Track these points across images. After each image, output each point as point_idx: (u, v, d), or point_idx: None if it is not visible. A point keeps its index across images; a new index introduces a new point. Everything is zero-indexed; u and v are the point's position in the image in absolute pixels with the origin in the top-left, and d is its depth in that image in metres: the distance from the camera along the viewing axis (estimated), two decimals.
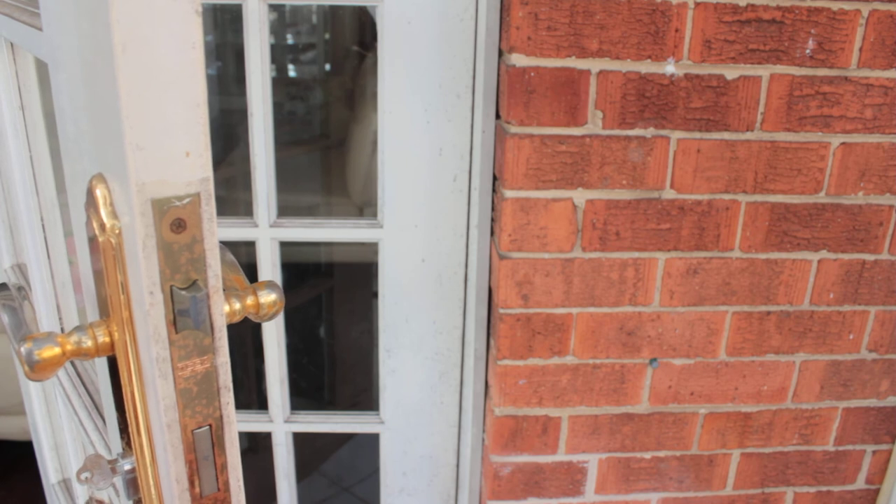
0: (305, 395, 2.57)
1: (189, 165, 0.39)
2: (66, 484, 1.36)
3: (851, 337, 1.25)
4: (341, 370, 2.66)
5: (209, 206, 0.40)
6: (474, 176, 1.20)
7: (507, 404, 1.24)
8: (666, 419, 1.28)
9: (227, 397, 0.44)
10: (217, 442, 0.45)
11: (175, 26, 0.36)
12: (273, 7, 2.73)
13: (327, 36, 3.03)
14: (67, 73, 0.45)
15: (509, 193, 1.11)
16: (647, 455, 1.30)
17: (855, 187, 1.15)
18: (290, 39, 2.99)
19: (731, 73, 1.07)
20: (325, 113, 2.94)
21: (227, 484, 0.46)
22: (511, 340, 1.19)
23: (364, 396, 2.56)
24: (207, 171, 0.39)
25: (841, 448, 1.34)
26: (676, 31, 1.04)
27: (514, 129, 1.08)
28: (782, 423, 1.31)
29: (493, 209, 1.20)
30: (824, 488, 1.37)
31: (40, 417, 1.29)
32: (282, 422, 1.37)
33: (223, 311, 0.43)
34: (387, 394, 1.34)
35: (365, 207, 2.45)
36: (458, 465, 1.41)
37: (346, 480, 2.36)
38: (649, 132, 1.09)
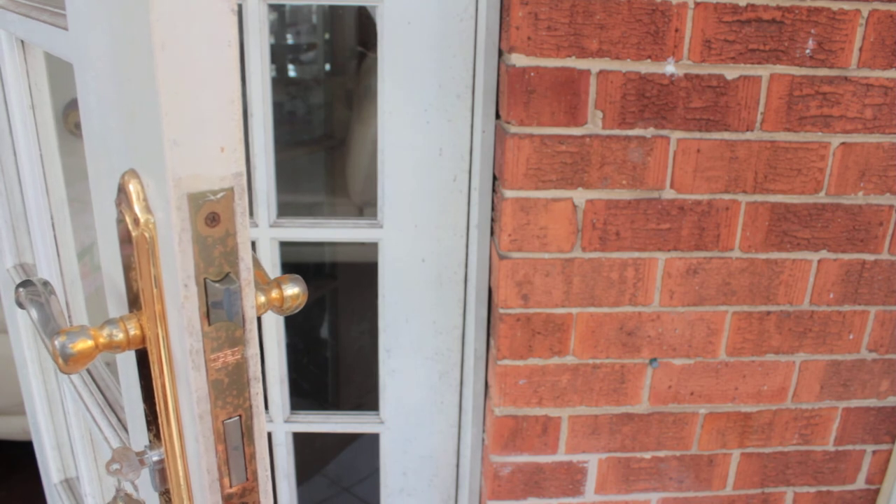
0: (306, 395, 2.57)
1: (224, 160, 0.39)
2: (68, 483, 1.36)
3: (851, 337, 1.25)
4: (342, 370, 2.66)
5: (242, 201, 0.41)
6: (474, 176, 1.20)
7: (507, 404, 1.24)
8: (666, 419, 1.28)
9: (257, 388, 0.45)
10: (246, 432, 0.46)
11: (211, 25, 0.36)
12: (273, 7, 2.73)
13: (327, 36, 3.03)
14: (96, 71, 0.46)
15: (509, 193, 1.11)
16: (647, 455, 1.30)
17: (855, 187, 1.15)
18: (290, 39, 2.99)
19: (731, 73, 1.07)
20: (325, 113, 2.94)
21: (255, 473, 0.46)
22: (511, 340, 1.19)
23: (365, 397, 2.56)
24: (241, 166, 0.40)
25: (841, 448, 1.34)
26: (676, 31, 1.04)
27: (514, 129, 1.08)
28: (782, 423, 1.31)
29: (493, 209, 1.20)
30: (824, 488, 1.37)
31: (42, 417, 1.29)
32: (282, 422, 1.37)
33: (254, 303, 0.44)
34: (387, 394, 1.34)
35: (365, 207, 2.45)
36: (458, 465, 1.41)
37: (346, 480, 2.36)
38: (649, 132, 1.09)
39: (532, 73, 1.05)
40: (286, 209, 1.27)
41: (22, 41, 0.83)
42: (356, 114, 2.55)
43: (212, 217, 0.39)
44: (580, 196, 1.12)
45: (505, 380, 1.22)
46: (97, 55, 0.45)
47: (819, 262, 1.19)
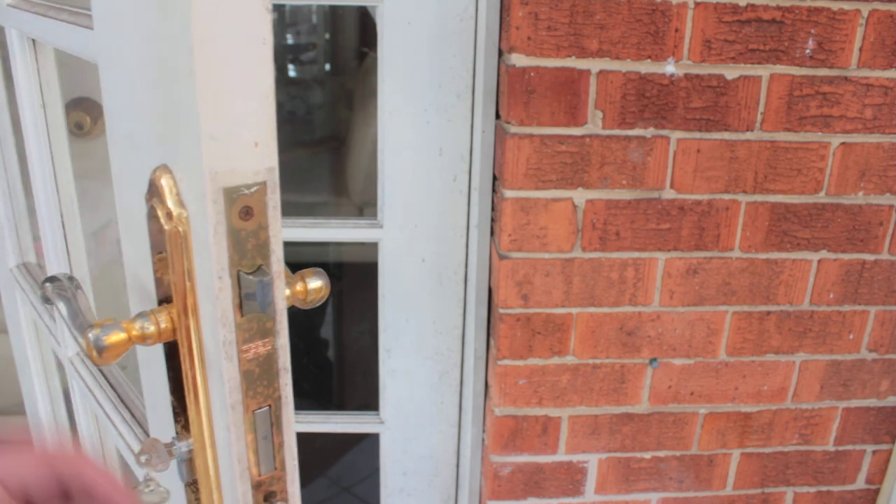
0: (307, 395, 2.57)
1: (258, 155, 0.40)
2: None
3: (851, 337, 1.25)
4: (342, 371, 2.66)
5: (274, 195, 0.41)
6: (474, 176, 1.20)
7: (507, 404, 1.24)
8: (666, 419, 1.28)
9: (286, 378, 0.45)
10: (275, 422, 0.46)
11: (248, 23, 0.37)
12: (273, 7, 2.73)
13: (327, 36, 3.03)
14: (125, 70, 0.46)
15: (509, 193, 1.11)
16: (647, 455, 1.30)
17: (855, 187, 1.15)
18: (290, 39, 2.99)
19: (731, 73, 1.07)
20: (325, 113, 2.94)
21: (283, 463, 0.47)
22: (511, 340, 1.19)
23: (365, 397, 2.55)
24: (274, 160, 0.41)
25: (841, 448, 1.34)
26: (676, 30, 1.04)
27: (514, 129, 1.08)
28: (782, 423, 1.31)
29: (493, 209, 1.20)
30: (824, 488, 1.37)
31: (44, 417, 1.29)
32: None
33: (284, 294, 0.45)
34: (387, 394, 1.34)
35: (365, 207, 2.45)
36: (458, 465, 1.41)
37: (346, 480, 2.36)
38: (649, 132, 1.09)
39: (532, 73, 1.05)
40: (286, 209, 1.26)
41: (33, 40, 0.82)
42: (356, 114, 2.55)
43: (245, 211, 0.40)
44: (580, 196, 1.12)
45: (505, 380, 1.22)
46: (127, 54, 0.45)
47: (819, 262, 1.19)
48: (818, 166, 1.13)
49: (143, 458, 0.47)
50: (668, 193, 1.13)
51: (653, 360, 1.23)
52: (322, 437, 2.49)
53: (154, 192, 0.43)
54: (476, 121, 1.16)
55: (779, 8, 1.04)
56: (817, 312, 1.23)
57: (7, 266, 1.17)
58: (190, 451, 0.48)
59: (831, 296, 1.22)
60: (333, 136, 2.84)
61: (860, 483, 1.38)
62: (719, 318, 1.21)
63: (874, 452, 1.35)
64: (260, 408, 0.45)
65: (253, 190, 0.40)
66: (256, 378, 0.44)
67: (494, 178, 1.19)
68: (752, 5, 1.04)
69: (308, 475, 2.34)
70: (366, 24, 2.81)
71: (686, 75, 1.07)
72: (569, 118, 1.07)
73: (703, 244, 1.16)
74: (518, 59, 1.04)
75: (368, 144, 2.37)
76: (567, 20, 1.02)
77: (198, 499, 0.49)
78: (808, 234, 1.17)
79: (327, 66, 3.01)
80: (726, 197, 1.14)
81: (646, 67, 1.06)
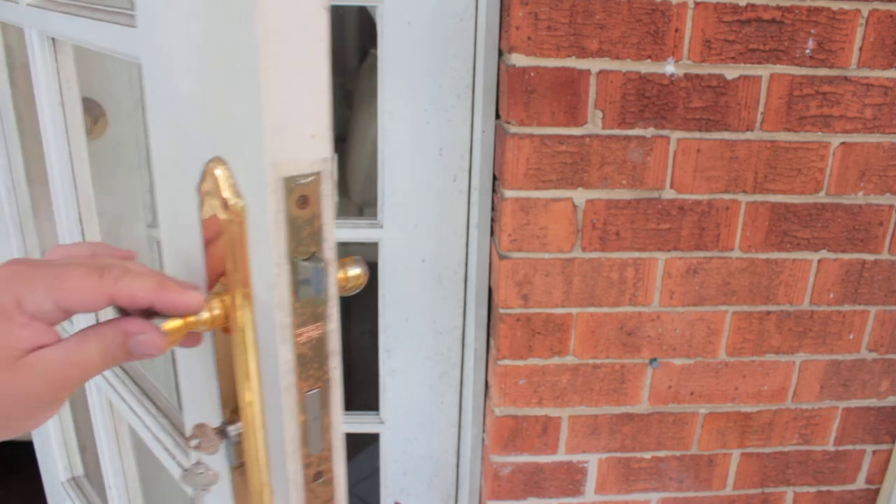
0: None
1: (314, 146, 0.42)
2: (76, 481, 1.36)
3: (851, 337, 1.25)
4: (342, 370, 2.65)
5: (328, 184, 0.43)
6: (474, 176, 1.20)
7: (507, 404, 1.24)
8: (666, 419, 1.28)
9: (336, 361, 0.48)
10: (325, 403, 0.48)
11: (307, 20, 0.39)
12: None
13: None
14: (173, 67, 0.47)
15: (509, 193, 1.11)
16: (647, 455, 1.30)
17: (855, 187, 1.15)
18: None
19: (730, 72, 1.07)
20: None
21: (330, 443, 0.49)
22: (511, 340, 1.19)
23: (365, 397, 2.55)
24: (328, 151, 0.43)
25: (841, 448, 1.34)
26: (676, 30, 1.04)
27: (514, 129, 1.08)
28: (782, 423, 1.31)
29: (493, 209, 1.20)
30: (824, 488, 1.37)
31: (53, 418, 1.29)
32: None
33: (336, 280, 0.46)
34: (387, 394, 1.34)
35: (365, 207, 2.45)
36: (458, 465, 1.41)
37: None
38: (649, 132, 1.09)
39: (532, 73, 1.05)
40: None
41: (53, 39, 0.82)
42: (356, 114, 2.55)
43: (302, 199, 0.42)
44: (580, 196, 1.12)
45: (505, 380, 1.22)
46: (176, 51, 0.47)
47: (819, 261, 1.19)
48: (818, 166, 1.13)
49: (193, 443, 0.49)
50: (668, 193, 1.13)
51: (653, 360, 1.23)
52: None
53: (208, 182, 0.45)
54: (476, 121, 1.16)
55: (779, 8, 1.04)
56: (817, 312, 1.23)
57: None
58: (239, 435, 0.49)
59: (831, 296, 1.22)
60: (334, 136, 2.84)
61: (860, 483, 1.38)
62: (719, 318, 1.21)
63: (874, 452, 1.35)
64: (311, 390, 0.47)
65: (309, 180, 0.42)
66: (308, 361, 0.46)
67: (494, 178, 1.19)
68: (752, 5, 1.04)
69: None
70: (365, 24, 2.81)
71: (686, 75, 1.07)
72: (569, 118, 1.07)
73: (703, 244, 1.16)
74: (518, 59, 1.04)
75: (368, 144, 2.37)
76: (567, 20, 1.02)
77: (245, 480, 0.50)
78: (808, 234, 1.17)
79: None
80: (726, 197, 1.14)
81: (646, 67, 1.06)
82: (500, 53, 1.12)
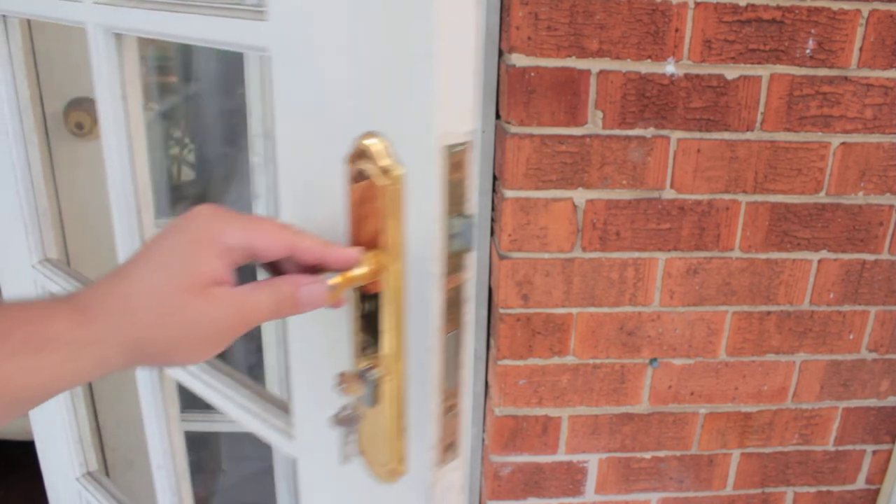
0: None
1: (466, 119, 0.49)
2: (91, 476, 1.36)
3: (851, 337, 1.25)
4: None
5: (472, 152, 0.51)
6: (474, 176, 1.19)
7: (507, 404, 1.24)
8: (666, 419, 1.28)
9: (469, 307, 0.55)
10: (459, 344, 0.56)
11: (466, 13, 0.47)
12: None
13: None
14: (315, 56, 0.52)
15: (509, 193, 1.11)
16: (647, 455, 1.31)
17: (855, 187, 1.15)
18: None
19: (731, 72, 1.07)
20: None
21: (459, 379, 0.57)
22: (511, 340, 1.19)
23: None
24: (475, 124, 0.49)
25: (841, 448, 1.34)
26: (676, 30, 1.04)
27: (514, 129, 1.08)
28: (782, 423, 1.31)
29: (493, 209, 1.21)
30: (824, 488, 1.37)
31: (66, 411, 1.29)
32: None
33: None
34: None
35: None
36: None
37: None
38: (649, 132, 1.09)
39: (532, 73, 1.05)
40: None
41: (118, 35, 0.86)
42: None
43: (456, 165, 0.49)
44: (580, 196, 1.12)
45: (505, 380, 1.22)
46: (323, 42, 0.51)
47: (819, 262, 1.19)
48: (818, 166, 1.13)
49: (342, 387, 0.55)
50: (669, 193, 1.13)
51: (653, 360, 1.23)
52: None
53: (362, 154, 0.50)
54: (476, 121, 1.16)
55: (779, 8, 1.04)
56: (817, 312, 1.23)
57: (30, 263, 1.18)
58: (377, 379, 0.55)
59: (831, 296, 1.22)
60: None
61: (860, 483, 1.38)
62: (719, 318, 1.21)
63: (874, 452, 1.35)
64: (450, 332, 0.54)
65: (461, 148, 0.50)
66: (450, 306, 0.53)
67: (494, 177, 1.19)
68: (753, 5, 1.04)
69: None
70: None
71: (686, 75, 1.07)
72: (569, 118, 1.07)
73: (703, 244, 1.16)
74: (518, 59, 1.04)
75: None
76: (567, 20, 1.02)
77: (382, 418, 0.56)
78: (809, 234, 1.17)
79: None
80: (726, 197, 1.14)
81: (646, 67, 1.06)
82: (501, 53, 1.12)
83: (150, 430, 1.10)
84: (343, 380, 0.57)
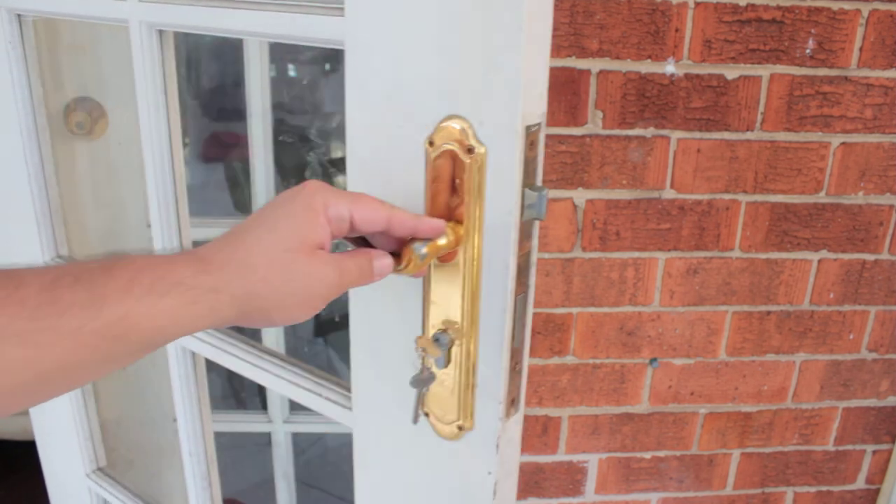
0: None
1: (541, 102, 0.55)
2: (102, 472, 1.37)
3: (851, 337, 1.25)
4: (342, 371, 2.66)
5: (542, 131, 0.57)
6: None
7: None
8: (666, 419, 1.28)
9: (534, 271, 0.61)
10: (525, 305, 0.61)
11: (546, 8, 0.53)
12: None
13: None
14: (394, 47, 0.60)
15: None
16: (647, 455, 1.30)
17: (855, 187, 1.15)
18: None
19: (731, 72, 1.07)
20: (326, 113, 2.94)
21: (523, 341, 0.63)
22: None
23: None
24: (546, 105, 0.56)
25: (841, 448, 1.34)
26: (676, 30, 1.04)
27: None
28: (782, 423, 1.31)
29: None
30: (824, 488, 1.37)
31: (75, 407, 1.29)
32: (281, 422, 1.37)
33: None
34: None
35: None
36: None
37: (346, 480, 2.35)
38: (649, 132, 1.09)
39: None
40: None
41: (160, 31, 0.89)
42: None
43: (531, 143, 0.55)
44: (580, 196, 1.12)
45: None
46: (404, 36, 0.59)
47: (819, 261, 1.19)
48: (818, 166, 1.13)
49: (420, 350, 0.61)
50: (669, 193, 1.13)
51: (653, 360, 1.23)
52: (322, 437, 2.48)
53: (442, 135, 0.58)
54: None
55: (779, 8, 1.04)
56: (817, 312, 1.23)
57: (42, 260, 1.19)
58: (450, 342, 0.62)
59: (831, 296, 1.22)
60: (333, 134, 2.84)
61: (860, 483, 1.38)
62: (719, 318, 1.21)
63: (874, 452, 1.35)
64: (520, 294, 0.60)
65: (536, 128, 0.55)
66: (521, 271, 0.59)
67: None
68: (753, 5, 1.04)
69: (308, 475, 2.34)
70: None
71: (686, 75, 1.07)
72: (569, 118, 1.07)
73: (703, 244, 1.16)
74: None
75: None
76: (567, 20, 1.02)
77: (451, 378, 0.64)
78: (808, 234, 1.17)
79: (326, 66, 3.01)
80: (726, 197, 1.14)
81: (646, 67, 1.06)
82: None
83: (181, 417, 1.11)
84: (421, 343, 0.64)
